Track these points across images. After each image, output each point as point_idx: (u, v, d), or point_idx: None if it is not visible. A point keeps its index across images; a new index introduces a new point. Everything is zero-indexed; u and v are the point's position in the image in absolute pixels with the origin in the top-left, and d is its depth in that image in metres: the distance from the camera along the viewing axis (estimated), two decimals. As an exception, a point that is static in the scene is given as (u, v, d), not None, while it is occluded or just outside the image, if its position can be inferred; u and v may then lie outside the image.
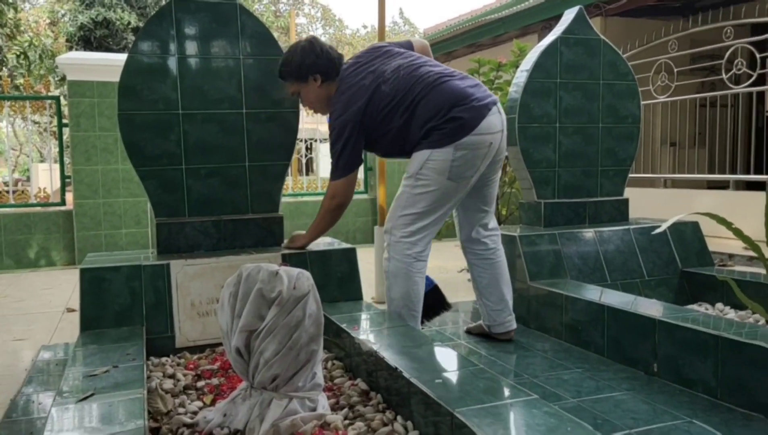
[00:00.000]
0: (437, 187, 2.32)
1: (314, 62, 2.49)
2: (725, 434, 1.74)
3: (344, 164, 2.42)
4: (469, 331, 2.85)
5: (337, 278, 2.83)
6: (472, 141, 2.28)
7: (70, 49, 12.60)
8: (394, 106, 2.35)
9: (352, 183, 2.48)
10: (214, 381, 2.12)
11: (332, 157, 2.46)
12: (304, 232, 2.77)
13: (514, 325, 2.71)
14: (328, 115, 2.60)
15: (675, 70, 6.14)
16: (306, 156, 7.49)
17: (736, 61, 5.53)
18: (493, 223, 2.68)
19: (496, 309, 2.66)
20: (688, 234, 3.33)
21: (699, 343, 2.07)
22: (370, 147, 2.51)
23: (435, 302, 2.81)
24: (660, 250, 3.22)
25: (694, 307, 2.99)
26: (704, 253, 3.32)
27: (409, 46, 2.63)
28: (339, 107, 2.42)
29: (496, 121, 2.35)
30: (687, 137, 6.79)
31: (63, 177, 5.69)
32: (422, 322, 2.82)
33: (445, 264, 2.91)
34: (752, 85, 5.58)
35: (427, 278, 2.78)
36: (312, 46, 2.52)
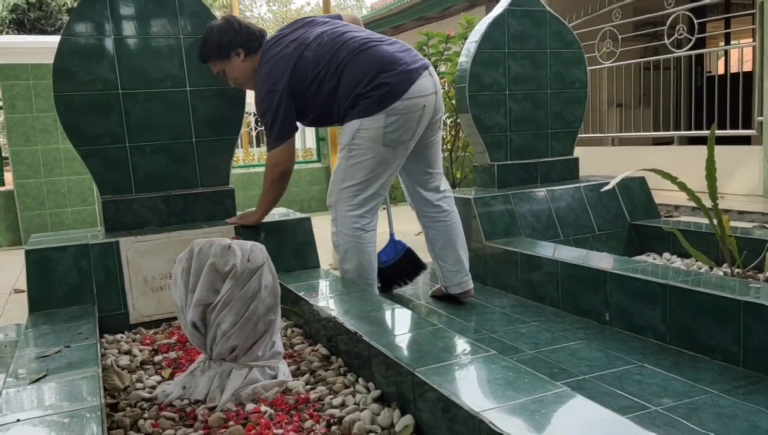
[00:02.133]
0: (373, 155, 2.27)
1: (234, 38, 2.43)
2: (675, 375, 1.82)
3: (278, 133, 2.35)
4: (433, 295, 2.84)
5: (293, 248, 2.81)
6: (404, 105, 2.23)
7: (2, 32, 12.02)
8: (318, 73, 2.28)
9: (291, 150, 2.40)
10: (172, 355, 2.09)
11: (265, 128, 2.40)
12: (254, 208, 2.69)
13: (471, 285, 2.72)
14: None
15: (619, 37, 6.29)
16: (256, 129, 7.38)
17: (677, 27, 5.72)
18: (444, 185, 2.65)
19: (452, 270, 2.67)
20: (635, 189, 3.42)
21: (648, 292, 2.14)
22: (299, 116, 2.43)
23: (410, 265, 2.87)
24: (609, 205, 3.30)
25: (643, 257, 3.09)
26: (651, 206, 3.42)
27: (338, 18, 2.56)
28: (263, 77, 2.35)
29: (428, 83, 2.28)
30: (632, 98, 6.99)
31: (0, 158, 5.47)
32: (400, 285, 2.91)
33: (402, 227, 2.92)
34: (692, 48, 5.80)
35: (400, 243, 2.84)
36: (229, 22, 2.48)
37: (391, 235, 2.92)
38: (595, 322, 2.34)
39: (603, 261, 2.46)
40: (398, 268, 2.88)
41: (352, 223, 2.35)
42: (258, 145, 7.87)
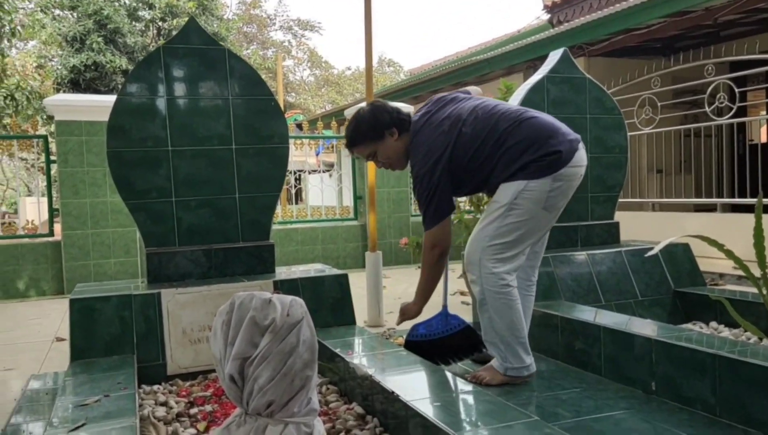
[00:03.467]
0: (531, 217, 2.25)
1: (388, 118, 2.42)
2: (726, 451, 1.73)
3: (434, 212, 2.31)
4: (475, 360, 2.69)
5: (330, 304, 2.81)
6: (569, 172, 2.25)
7: (59, 91, 12.69)
8: (479, 146, 2.28)
9: (448, 228, 2.36)
10: (208, 408, 2.08)
11: (421, 206, 2.35)
12: (410, 301, 2.58)
13: None
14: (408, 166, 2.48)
15: (659, 104, 6.31)
16: (295, 187, 7.52)
17: (718, 95, 5.71)
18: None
19: None
20: (679, 255, 3.35)
21: (696, 362, 2.06)
22: (455, 190, 2.39)
23: (465, 343, 2.61)
24: (652, 271, 3.23)
25: (689, 326, 2.99)
26: (696, 273, 3.34)
27: (467, 93, 2.57)
28: (421, 157, 2.33)
29: (584, 154, 2.33)
30: (673, 165, 6.92)
31: (51, 209, 5.66)
32: (439, 363, 2.61)
33: (438, 286, 2.88)
34: (733, 116, 5.77)
35: (455, 317, 2.62)
36: (382, 104, 2.49)
37: (444, 307, 2.67)
38: (640, 391, 2.25)
39: (648, 328, 2.39)
40: (449, 344, 2.61)
41: (499, 280, 2.26)
42: (296, 203, 8.00)
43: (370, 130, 2.42)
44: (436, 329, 2.61)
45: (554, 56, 3.51)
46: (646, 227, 5.99)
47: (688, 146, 6.72)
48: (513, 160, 2.25)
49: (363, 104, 2.60)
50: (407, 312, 2.57)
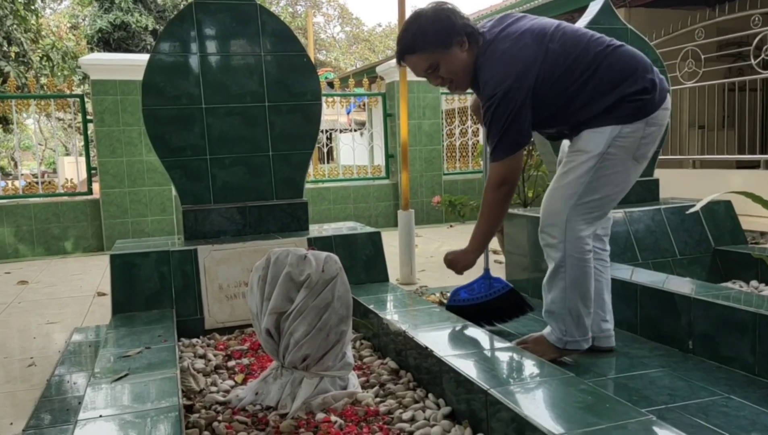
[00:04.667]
0: (623, 169, 1.94)
1: (458, 23, 1.94)
2: (764, 409, 1.70)
3: (511, 139, 1.91)
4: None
5: (363, 261, 2.83)
6: (662, 115, 1.95)
7: (91, 50, 12.78)
8: (570, 66, 1.90)
9: (519, 164, 1.98)
10: (245, 361, 2.13)
11: (494, 134, 1.93)
12: (456, 249, 2.20)
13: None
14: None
15: (702, 57, 6.07)
16: (326, 145, 7.51)
17: (765, 48, 5.46)
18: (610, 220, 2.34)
19: (604, 318, 2.21)
20: (720, 213, 3.26)
21: (736, 321, 2.03)
22: None
23: (508, 306, 2.51)
24: (692, 229, 3.16)
25: (728, 284, 2.93)
26: (737, 231, 3.25)
27: None
28: (500, 72, 1.89)
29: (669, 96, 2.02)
30: (715, 120, 6.69)
31: (89, 168, 5.78)
32: (495, 325, 2.53)
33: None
34: (781, 70, 5.53)
35: (498, 280, 2.51)
36: (450, 6, 1.99)
37: (486, 269, 2.53)
38: (676, 349, 2.22)
39: (686, 286, 2.35)
40: (494, 308, 2.49)
41: (584, 246, 1.97)
42: (328, 162, 8.00)
43: (439, 34, 1.93)
44: (478, 293, 2.50)
45: (594, 6, 3.39)
46: (686, 185, 5.84)
47: (731, 101, 6.48)
48: (605, 92, 1.90)
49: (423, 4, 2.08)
50: (462, 260, 2.15)
